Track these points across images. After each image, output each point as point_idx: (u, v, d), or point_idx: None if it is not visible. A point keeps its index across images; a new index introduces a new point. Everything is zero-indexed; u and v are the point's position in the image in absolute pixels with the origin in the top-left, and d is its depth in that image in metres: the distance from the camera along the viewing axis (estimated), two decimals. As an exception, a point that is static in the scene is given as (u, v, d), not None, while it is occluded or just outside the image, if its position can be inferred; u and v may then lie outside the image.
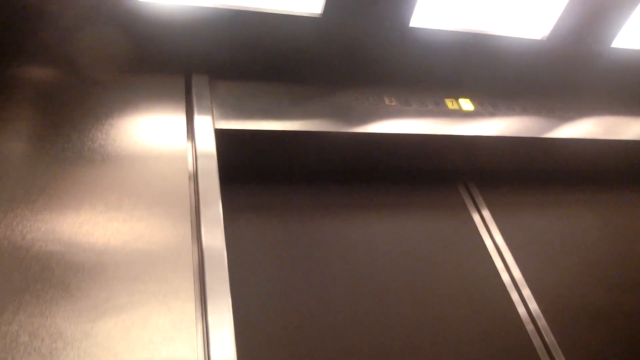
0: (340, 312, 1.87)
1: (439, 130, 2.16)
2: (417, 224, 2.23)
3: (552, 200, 2.57)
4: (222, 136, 1.81)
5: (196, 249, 1.46)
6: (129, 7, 1.77)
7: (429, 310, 1.98)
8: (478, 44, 2.24)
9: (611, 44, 2.42)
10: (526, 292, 2.17)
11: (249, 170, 2.07)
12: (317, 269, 1.95)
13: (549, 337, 2.06)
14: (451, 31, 2.16)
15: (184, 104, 1.83)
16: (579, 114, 2.50)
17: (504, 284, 2.18)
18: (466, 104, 2.30)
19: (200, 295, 1.37)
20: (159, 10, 1.80)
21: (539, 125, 2.36)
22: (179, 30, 1.87)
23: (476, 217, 2.35)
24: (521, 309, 2.13)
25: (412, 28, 2.09)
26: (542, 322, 2.10)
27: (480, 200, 2.41)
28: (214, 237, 1.51)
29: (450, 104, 2.27)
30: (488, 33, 2.22)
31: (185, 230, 1.49)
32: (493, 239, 2.30)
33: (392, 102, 2.18)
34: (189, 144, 1.74)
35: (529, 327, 2.08)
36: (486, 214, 2.37)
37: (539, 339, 2.06)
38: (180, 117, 1.79)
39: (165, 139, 1.71)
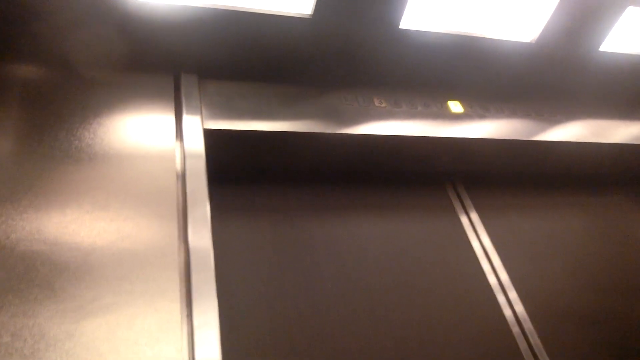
0: (328, 313, 1.87)
1: (429, 132, 2.16)
2: (405, 226, 2.24)
3: (540, 202, 2.58)
4: (210, 136, 1.81)
5: (183, 249, 1.46)
6: (119, 6, 1.76)
7: (416, 312, 1.99)
8: (468, 46, 2.25)
9: (599, 47, 2.44)
10: (512, 294, 2.18)
11: (237, 171, 2.07)
12: (305, 271, 1.95)
13: (535, 340, 2.07)
14: (441, 33, 2.17)
15: (172, 103, 1.83)
16: (567, 117, 2.52)
17: (490, 287, 2.19)
18: (455, 106, 2.31)
19: (187, 296, 1.36)
20: (149, 10, 1.79)
21: (528, 128, 2.37)
22: (168, 29, 1.86)
23: (464, 219, 2.36)
24: (507, 312, 2.13)
25: (402, 30, 2.10)
26: (527, 324, 2.11)
27: (468, 202, 2.42)
28: (201, 238, 1.50)
29: (440, 106, 2.28)
30: (478, 35, 2.23)
31: (172, 230, 1.48)
32: (480, 241, 2.31)
33: (381, 103, 2.19)
34: (178, 144, 1.73)
35: (515, 329, 2.09)
36: (474, 216, 2.38)
37: (524, 341, 2.07)
38: (169, 117, 1.78)
39: (154, 138, 1.70)
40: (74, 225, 1.40)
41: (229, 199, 2.00)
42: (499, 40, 2.28)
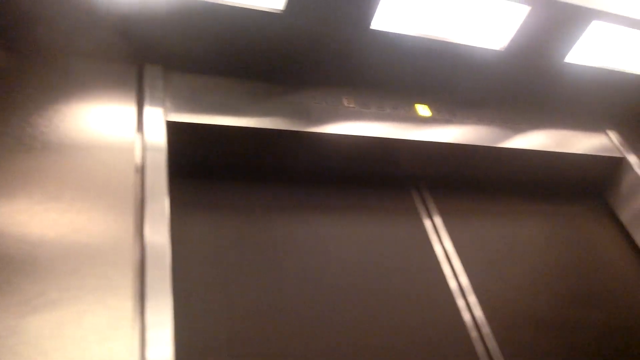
0: (287, 314, 1.84)
1: (396, 134, 2.16)
2: (369, 228, 2.23)
3: (502, 209, 2.61)
4: (174, 129, 1.76)
5: (138, 244, 1.41)
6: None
7: (377, 314, 1.98)
8: (438, 50, 2.26)
9: (565, 59, 2.48)
10: (472, 299, 2.19)
11: (200, 166, 2.02)
12: (265, 270, 1.91)
13: (492, 344, 2.09)
14: (412, 36, 2.17)
15: (134, 93, 1.78)
16: (531, 125, 2.56)
17: (451, 291, 2.19)
18: (424, 110, 2.31)
19: (140, 293, 1.32)
20: (114, -5, 1.73)
21: (493, 135, 2.40)
22: (134, 18, 1.80)
23: (427, 223, 2.36)
24: (466, 316, 2.15)
25: (374, 30, 2.09)
26: (485, 329, 2.12)
27: (432, 206, 2.42)
28: (158, 233, 1.46)
29: (408, 108, 2.28)
30: (449, 40, 2.25)
31: (128, 224, 1.44)
32: (443, 245, 2.32)
33: (350, 104, 2.17)
34: (138, 136, 1.68)
35: (473, 333, 2.10)
36: (437, 220, 2.38)
37: (482, 345, 2.08)
38: (130, 108, 1.73)
39: (113, 128, 1.65)
40: (22, 215, 1.33)
41: (190, 195, 1.95)
42: (469, 46, 2.30)
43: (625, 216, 2.76)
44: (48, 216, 1.36)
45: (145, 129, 1.69)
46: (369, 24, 2.06)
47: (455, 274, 2.25)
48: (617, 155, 2.73)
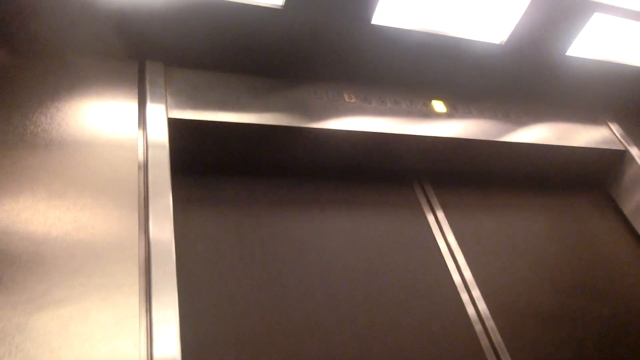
0: (291, 309, 1.84)
1: (397, 129, 2.16)
2: (372, 223, 2.23)
3: (505, 202, 2.61)
4: (175, 125, 1.76)
5: (143, 241, 1.41)
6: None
7: (380, 309, 1.98)
8: (438, 44, 2.26)
9: (566, 52, 2.48)
10: (476, 292, 2.19)
11: (202, 162, 2.02)
12: (268, 266, 1.91)
13: (497, 338, 2.09)
14: (412, 30, 2.17)
15: (136, 91, 1.77)
16: (533, 119, 2.56)
17: (454, 285, 2.19)
18: (424, 104, 2.31)
19: (146, 290, 1.31)
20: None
21: (495, 129, 2.39)
22: (134, 15, 1.79)
23: (430, 218, 2.36)
24: (470, 310, 2.14)
25: (374, 25, 2.09)
26: (490, 322, 2.12)
27: (435, 200, 2.42)
28: (163, 230, 1.46)
29: (409, 103, 2.28)
30: (448, 34, 2.24)
31: (132, 221, 1.43)
32: (446, 239, 2.31)
33: (351, 98, 2.17)
34: (140, 133, 1.68)
35: (477, 327, 2.10)
36: (440, 214, 2.38)
37: (486, 339, 2.08)
38: (132, 105, 1.72)
39: (115, 126, 1.64)
40: (26, 213, 1.33)
41: (193, 191, 1.95)
42: (469, 40, 2.29)
43: (627, 208, 2.76)
44: (52, 214, 1.35)
45: (148, 125, 1.69)
46: (370, 19, 2.06)
47: (458, 268, 2.25)
48: (619, 147, 2.73)
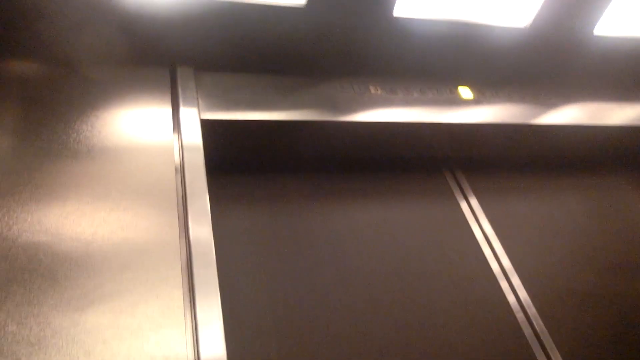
0: (329, 302, 1.87)
1: (425, 118, 2.17)
2: (404, 213, 2.24)
3: (539, 186, 2.58)
4: (208, 127, 1.82)
5: (184, 240, 1.47)
6: (116, 3, 1.77)
7: (418, 299, 1.99)
8: (462, 32, 2.26)
9: (593, 31, 2.44)
10: (515, 280, 2.17)
11: (235, 162, 2.08)
12: (305, 260, 1.95)
13: (539, 325, 2.06)
14: (434, 20, 2.18)
15: (169, 96, 1.84)
16: (563, 100, 2.52)
17: (493, 273, 2.18)
18: (451, 92, 2.31)
19: (189, 283, 1.37)
20: (143, 4, 1.80)
21: (524, 113, 2.37)
22: (163, 23, 1.87)
23: (464, 205, 2.36)
24: (511, 298, 2.13)
25: (396, 18, 2.10)
26: (532, 310, 2.10)
27: (467, 187, 2.42)
28: (202, 229, 1.51)
29: (435, 92, 2.28)
30: (472, 22, 2.24)
31: (172, 221, 1.50)
32: (481, 227, 2.30)
33: (377, 90, 2.19)
34: (175, 136, 1.74)
35: (519, 315, 2.08)
36: (474, 201, 2.38)
37: (529, 327, 2.06)
38: (166, 109, 1.79)
39: (151, 131, 1.71)
40: (74, 215, 1.41)
41: (228, 190, 2.01)
42: (493, 26, 2.28)
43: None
44: (97, 215, 1.43)
45: (183, 129, 1.75)
46: (392, 11, 2.08)
47: (496, 255, 2.23)
48: (656, 124, 2.66)
